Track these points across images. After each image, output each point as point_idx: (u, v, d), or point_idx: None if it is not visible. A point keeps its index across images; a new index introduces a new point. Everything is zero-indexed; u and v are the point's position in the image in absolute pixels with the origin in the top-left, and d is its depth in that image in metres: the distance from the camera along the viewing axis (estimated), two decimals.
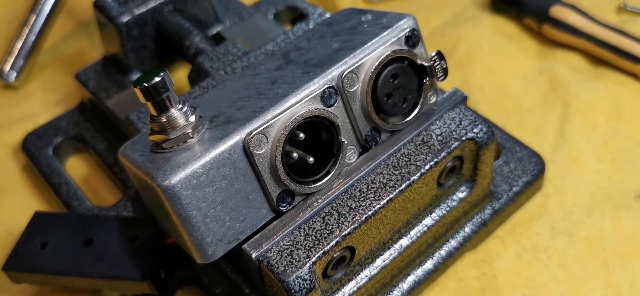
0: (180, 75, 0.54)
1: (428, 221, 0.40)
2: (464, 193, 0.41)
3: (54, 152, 0.51)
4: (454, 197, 0.41)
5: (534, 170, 0.45)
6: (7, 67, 0.57)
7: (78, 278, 0.40)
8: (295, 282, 0.33)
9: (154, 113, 0.34)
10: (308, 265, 0.34)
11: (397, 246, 0.39)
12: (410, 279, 0.41)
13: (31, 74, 0.59)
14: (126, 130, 0.45)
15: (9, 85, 0.58)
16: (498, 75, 0.54)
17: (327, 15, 0.50)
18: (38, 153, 0.50)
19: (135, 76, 0.51)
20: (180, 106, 0.34)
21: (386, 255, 0.39)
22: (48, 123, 0.52)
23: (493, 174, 0.45)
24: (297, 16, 0.55)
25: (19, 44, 0.58)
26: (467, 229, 0.43)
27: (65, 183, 0.48)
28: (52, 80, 0.58)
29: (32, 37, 0.58)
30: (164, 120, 0.34)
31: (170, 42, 0.50)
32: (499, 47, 0.56)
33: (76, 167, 0.52)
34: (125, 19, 0.48)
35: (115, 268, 0.40)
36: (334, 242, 0.35)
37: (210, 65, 0.45)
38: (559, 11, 0.55)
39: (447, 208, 0.41)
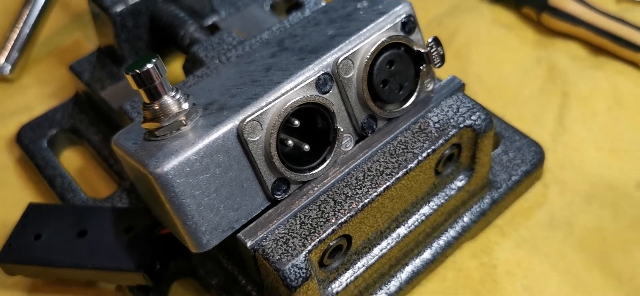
0: (175, 67, 0.53)
1: (426, 210, 0.40)
2: (463, 181, 0.41)
3: (49, 144, 0.50)
4: (453, 186, 0.40)
5: (533, 159, 0.45)
6: (2, 60, 0.57)
7: (72, 270, 0.40)
8: (291, 271, 0.33)
9: (147, 100, 0.34)
10: (304, 253, 0.33)
11: (394, 235, 0.39)
12: (409, 269, 0.40)
13: (26, 67, 0.58)
14: (120, 121, 0.45)
15: (4, 77, 0.57)
16: (496, 64, 0.54)
17: (323, 3, 0.50)
18: (32, 145, 0.50)
19: None
20: (173, 93, 0.34)
21: (384, 244, 0.38)
22: (42, 116, 0.52)
23: (492, 163, 0.44)
24: (293, 5, 0.54)
25: (14, 37, 0.57)
26: (466, 219, 0.42)
27: (60, 175, 0.47)
28: (47, 73, 0.58)
29: (27, 30, 0.57)
30: (157, 107, 0.34)
31: (164, 32, 0.49)
32: (497, 36, 0.56)
33: (71, 159, 0.51)
34: (118, 8, 0.48)
35: (109, 259, 0.39)
36: (330, 230, 0.34)
37: (204, 55, 0.45)
38: (557, 0, 0.54)
39: (446, 197, 0.40)
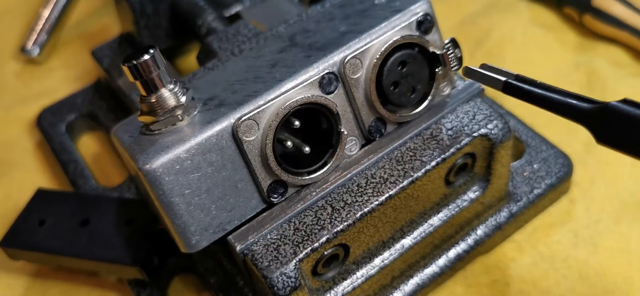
0: (195, 56, 0.52)
1: (435, 221, 0.37)
2: (477, 193, 0.38)
3: (67, 129, 0.50)
4: (465, 197, 0.38)
5: (559, 172, 0.42)
6: (31, 42, 0.57)
7: (72, 259, 0.39)
8: (279, 279, 0.31)
9: (143, 93, 0.33)
10: (294, 261, 0.32)
11: (398, 246, 0.37)
12: (414, 281, 0.38)
13: (54, 50, 0.59)
14: (133, 110, 0.44)
15: (32, 60, 0.57)
16: (531, 67, 0.51)
17: None
18: (51, 129, 0.50)
19: None
20: (172, 86, 0.33)
21: (386, 254, 0.36)
22: (63, 100, 0.52)
23: (513, 174, 0.41)
24: None
25: (43, 19, 0.57)
26: (479, 231, 0.40)
27: (74, 160, 0.47)
28: (74, 57, 0.58)
29: (56, 13, 0.58)
30: (153, 100, 0.33)
31: (184, 21, 0.48)
32: (534, 37, 0.53)
33: (88, 145, 0.51)
34: None
35: (108, 251, 0.39)
36: (324, 239, 0.32)
37: (218, 46, 0.44)
38: (602, 1, 0.51)
39: (457, 209, 0.38)
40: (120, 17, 0.51)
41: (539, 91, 0.31)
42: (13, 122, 0.53)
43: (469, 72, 0.34)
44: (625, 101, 0.28)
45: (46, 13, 0.57)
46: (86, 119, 0.51)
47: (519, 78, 0.32)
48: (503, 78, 0.32)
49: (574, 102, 0.30)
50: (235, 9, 0.51)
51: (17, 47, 0.59)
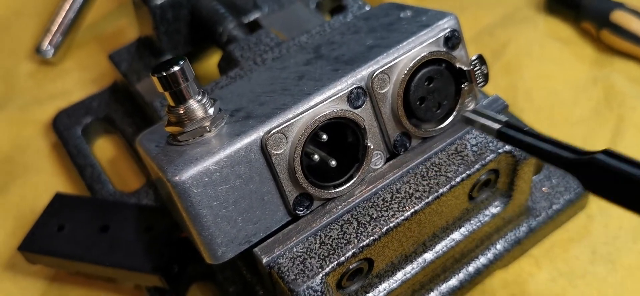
0: (214, 62, 0.52)
1: (456, 235, 0.38)
2: (498, 208, 0.38)
3: (83, 132, 0.50)
4: (487, 212, 0.38)
5: (577, 187, 0.42)
6: (45, 43, 0.57)
7: (91, 265, 0.39)
8: (306, 293, 0.31)
9: (172, 103, 0.33)
10: (320, 275, 0.32)
11: (420, 260, 0.37)
12: (433, 295, 0.38)
13: (69, 51, 0.58)
14: (153, 116, 0.44)
15: (47, 61, 0.57)
16: (548, 81, 0.51)
17: (368, 8, 0.48)
18: (67, 132, 0.50)
19: None
20: (200, 98, 0.33)
21: (408, 268, 0.36)
22: (79, 103, 0.52)
23: (532, 189, 0.42)
24: (336, 7, 0.52)
25: (58, 20, 0.57)
26: (498, 246, 0.40)
27: (90, 165, 0.47)
28: (90, 59, 0.58)
29: (72, 14, 0.57)
30: (182, 111, 0.33)
31: (204, 28, 0.48)
32: (551, 51, 0.53)
33: (104, 149, 0.51)
34: (159, 1, 0.47)
35: (127, 258, 0.39)
36: (350, 253, 0.33)
37: (240, 54, 0.44)
38: (620, 16, 0.51)
39: (478, 224, 0.38)
40: (139, 21, 0.51)
41: (530, 140, 0.31)
42: (27, 123, 0.53)
43: (467, 120, 0.34)
44: (609, 153, 0.28)
45: (61, 14, 0.57)
46: (102, 122, 0.51)
47: (508, 124, 0.32)
48: (497, 126, 0.32)
49: (563, 152, 0.30)
50: (254, 15, 0.51)
51: (32, 48, 0.59)
